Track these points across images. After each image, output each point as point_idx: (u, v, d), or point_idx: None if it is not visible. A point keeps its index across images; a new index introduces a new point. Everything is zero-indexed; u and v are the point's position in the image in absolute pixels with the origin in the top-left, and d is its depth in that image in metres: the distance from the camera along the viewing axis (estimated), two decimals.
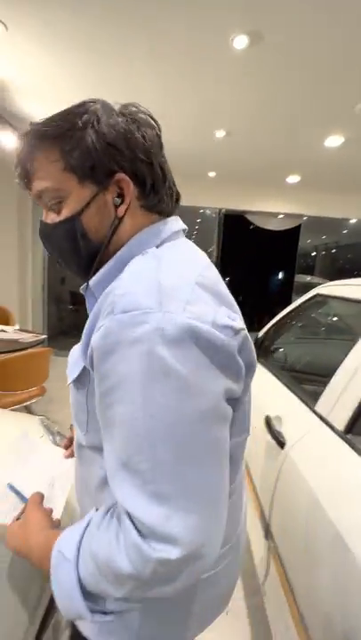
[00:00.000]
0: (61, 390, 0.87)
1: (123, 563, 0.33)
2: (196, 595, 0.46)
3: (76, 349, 0.45)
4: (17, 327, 2.98)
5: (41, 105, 2.54)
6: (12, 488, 0.57)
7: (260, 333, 1.87)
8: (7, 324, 3.27)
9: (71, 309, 6.17)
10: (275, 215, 4.75)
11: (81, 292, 0.47)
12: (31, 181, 0.42)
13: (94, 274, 0.44)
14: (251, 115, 2.45)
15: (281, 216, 4.80)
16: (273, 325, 1.86)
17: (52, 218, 0.43)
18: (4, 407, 2.22)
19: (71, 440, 0.65)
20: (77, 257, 0.44)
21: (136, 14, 1.54)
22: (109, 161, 0.40)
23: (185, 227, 0.49)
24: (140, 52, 1.86)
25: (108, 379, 0.34)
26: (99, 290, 0.42)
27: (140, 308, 0.33)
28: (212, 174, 3.87)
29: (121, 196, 0.42)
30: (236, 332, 0.37)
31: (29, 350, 2.19)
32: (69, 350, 0.49)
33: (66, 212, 0.42)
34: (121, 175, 0.41)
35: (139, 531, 0.32)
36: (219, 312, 0.37)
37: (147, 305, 0.33)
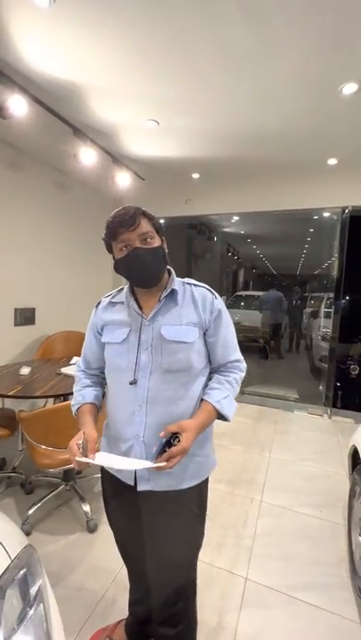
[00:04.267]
0: None
1: (242, 373, 1.00)
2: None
3: (183, 328, 0.92)
4: None
5: None
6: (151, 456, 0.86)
7: None
8: None
9: None
10: None
11: (161, 295, 0.94)
12: (138, 226, 0.87)
13: (160, 280, 0.95)
14: None
15: None
16: None
17: (149, 246, 0.89)
18: (55, 467, 1.80)
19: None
20: (160, 266, 0.92)
21: None
22: (163, 232, 0.95)
23: None
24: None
25: (225, 316, 0.97)
26: (180, 290, 0.96)
27: (217, 295, 0.98)
28: (332, 161, 2.92)
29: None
30: None
31: None
32: None
33: (157, 244, 0.91)
34: (163, 237, 0.96)
35: (241, 362, 1.01)
36: None
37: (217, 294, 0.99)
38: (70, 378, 2.21)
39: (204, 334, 0.95)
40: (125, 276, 0.92)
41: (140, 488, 0.92)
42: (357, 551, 1.50)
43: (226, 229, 6.27)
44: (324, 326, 4.70)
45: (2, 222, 2.76)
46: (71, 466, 1.81)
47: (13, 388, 1.96)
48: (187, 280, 0.98)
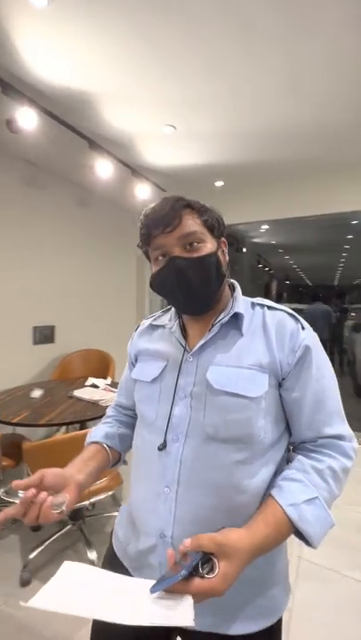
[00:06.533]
0: None
1: (349, 462, 0.58)
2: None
3: (245, 373, 0.58)
4: (109, 381, 2.48)
5: None
6: (156, 588, 0.44)
7: None
8: (107, 372, 2.87)
9: None
10: None
11: (215, 320, 0.64)
12: (178, 226, 0.59)
13: (213, 304, 0.64)
14: None
15: None
16: None
17: (194, 254, 0.60)
18: None
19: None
20: (212, 283, 0.61)
21: None
22: (223, 230, 0.66)
23: None
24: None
25: (317, 359, 0.60)
26: (248, 315, 0.64)
27: (304, 323, 0.63)
28: None
29: (224, 251, 0.67)
30: None
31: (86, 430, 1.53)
32: None
33: (207, 250, 0.61)
34: (223, 239, 0.67)
35: (347, 441, 0.59)
36: None
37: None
38: (82, 402, 2.05)
39: (280, 385, 0.60)
40: (165, 298, 0.67)
41: None
42: None
43: (255, 240, 6.00)
44: None
45: (23, 241, 2.74)
46: (79, 505, 1.61)
47: (19, 413, 1.82)
48: (259, 300, 0.67)
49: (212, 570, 0.45)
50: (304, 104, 1.95)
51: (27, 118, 1.80)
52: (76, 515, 1.81)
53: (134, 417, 0.76)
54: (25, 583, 1.52)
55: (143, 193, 2.98)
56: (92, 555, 1.59)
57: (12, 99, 1.75)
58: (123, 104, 1.99)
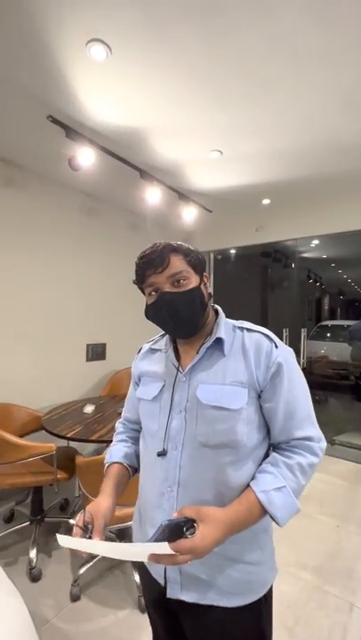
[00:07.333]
0: None
1: (315, 459, 0.69)
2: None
3: (227, 389, 0.70)
4: None
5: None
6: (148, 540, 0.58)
7: None
8: None
9: None
10: None
11: (202, 346, 0.75)
12: (166, 267, 0.72)
13: (199, 328, 0.76)
14: None
15: None
16: None
17: (181, 289, 0.72)
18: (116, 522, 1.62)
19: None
20: (196, 312, 0.73)
21: None
22: (204, 266, 0.78)
23: None
24: None
25: (289, 373, 0.70)
26: (229, 338, 0.75)
27: (278, 343, 0.74)
28: None
29: (206, 284, 0.79)
30: None
31: None
32: None
33: (191, 285, 0.73)
34: (205, 273, 0.79)
35: (316, 442, 0.70)
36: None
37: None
38: None
39: (259, 397, 0.71)
40: (158, 326, 0.78)
41: (169, 594, 0.71)
42: None
43: (305, 255, 5.78)
44: None
45: (79, 266, 2.97)
46: (125, 525, 1.62)
47: (74, 428, 1.92)
48: (240, 324, 0.79)
49: (193, 535, 0.56)
50: (354, 117, 1.89)
51: (86, 156, 1.99)
52: (122, 534, 1.83)
53: (140, 430, 0.87)
54: (75, 598, 1.55)
55: (189, 215, 3.07)
56: (139, 579, 1.58)
57: (73, 140, 1.95)
58: (171, 135, 2.11)
